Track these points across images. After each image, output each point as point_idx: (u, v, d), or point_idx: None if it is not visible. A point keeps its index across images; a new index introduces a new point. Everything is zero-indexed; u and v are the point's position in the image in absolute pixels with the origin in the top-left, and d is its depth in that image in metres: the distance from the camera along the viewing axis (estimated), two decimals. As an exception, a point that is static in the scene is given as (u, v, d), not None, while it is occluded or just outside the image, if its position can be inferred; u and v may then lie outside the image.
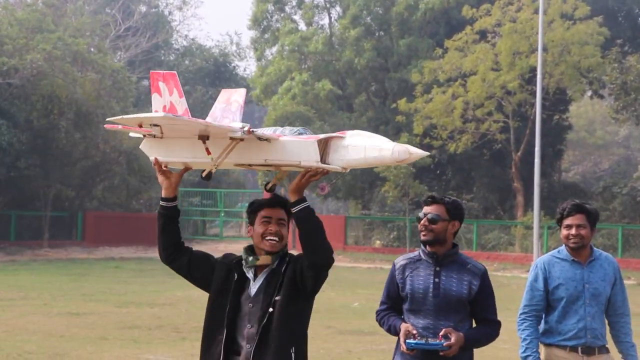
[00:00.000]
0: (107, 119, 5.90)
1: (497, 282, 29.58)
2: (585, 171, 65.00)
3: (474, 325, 5.95)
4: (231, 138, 5.03)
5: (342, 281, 27.93)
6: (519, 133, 40.66)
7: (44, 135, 38.30)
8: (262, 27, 48.63)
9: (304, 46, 44.85)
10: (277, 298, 5.03)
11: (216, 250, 30.81)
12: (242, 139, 5.02)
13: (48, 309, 19.25)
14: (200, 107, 56.02)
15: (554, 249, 6.94)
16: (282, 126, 5.42)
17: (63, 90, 38.24)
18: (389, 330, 5.94)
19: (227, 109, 5.72)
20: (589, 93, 45.44)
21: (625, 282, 6.81)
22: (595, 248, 6.66)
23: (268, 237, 5.13)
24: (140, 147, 5.46)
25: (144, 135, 5.30)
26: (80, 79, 39.35)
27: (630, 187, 37.99)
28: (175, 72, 5.62)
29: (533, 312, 6.62)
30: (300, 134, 5.13)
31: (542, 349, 6.67)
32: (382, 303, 6.07)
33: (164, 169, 5.24)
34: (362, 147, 4.94)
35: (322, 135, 5.03)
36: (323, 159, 5.01)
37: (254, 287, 5.11)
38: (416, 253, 6.02)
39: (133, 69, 52.69)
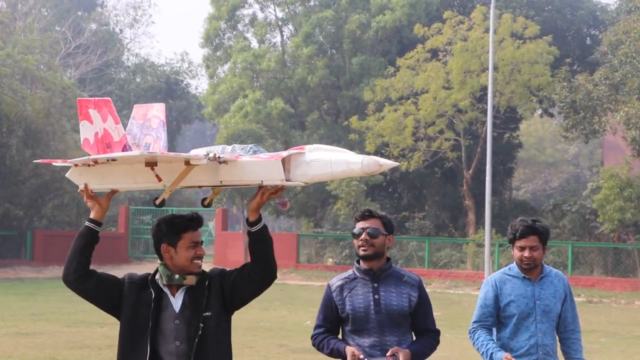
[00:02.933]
0: (38, 160, 5.87)
1: (449, 300, 29.74)
2: (535, 189, 65.59)
3: (414, 336, 5.97)
4: (187, 164, 4.98)
5: (294, 299, 27.91)
6: (470, 151, 40.92)
7: (-8, 154, 37.98)
8: (214, 44, 48.58)
9: (257, 64, 44.86)
10: (206, 314, 5.04)
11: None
12: (196, 164, 5.00)
13: (-4, 329, 19.02)
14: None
15: (505, 266, 7.00)
16: (230, 144, 5.38)
17: (12, 108, 37.92)
18: (330, 354, 5.88)
19: (147, 125, 5.56)
20: (539, 111, 45.90)
21: (575, 299, 6.88)
22: (545, 265, 6.73)
23: (196, 260, 5.13)
24: (67, 175, 5.35)
25: (76, 165, 5.22)
26: (30, 96, 39.02)
27: (579, 204, 38.27)
28: (109, 98, 5.51)
29: (483, 325, 6.64)
30: (254, 152, 5.11)
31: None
32: (317, 327, 6.04)
33: (91, 194, 5.17)
34: (328, 161, 4.95)
35: (284, 153, 5.01)
36: (284, 175, 5.01)
37: (176, 304, 5.07)
38: (350, 272, 6.04)
39: (84, 86, 52.35)
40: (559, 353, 6.75)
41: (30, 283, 33.35)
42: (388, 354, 5.67)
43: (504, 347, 6.61)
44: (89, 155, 5.27)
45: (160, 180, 5.10)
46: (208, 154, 4.99)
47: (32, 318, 21.28)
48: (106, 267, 33.90)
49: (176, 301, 5.09)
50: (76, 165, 5.22)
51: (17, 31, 47.26)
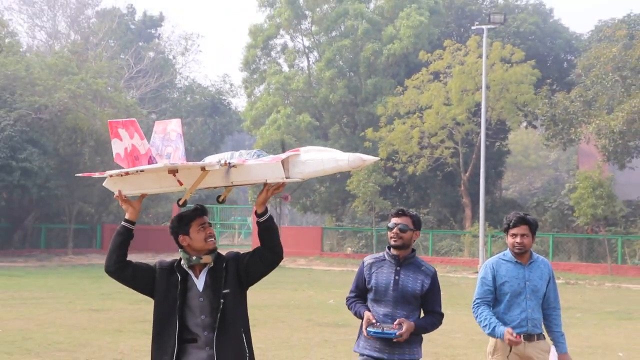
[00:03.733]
0: (78, 174, 5.95)
1: (449, 282, 29.63)
2: (521, 189, 65.29)
3: (422, 315, 6.14)
4: (203, 169, 5.03)
5: (319, 282, 27.90)
6: (467, 157, 40.83)
7: (68, 161, 38.18)
8: (252, 68, 48.61)
9: (287, 85, 44.90)
10: (225, 291, 5.08)
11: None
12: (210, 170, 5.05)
13: (72, 306, 19.13)
14: (200, 136, 56.07)
15: (497, 253, 7.02)
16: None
17: (85, 123, 38.15)
18: (355, 314, 6.14)
19: (167, 138, 5.62)
20: (524, 124, 45.68)
21: (556, 281, 6.88)
22: (533, 252, 6.75)
23: (209, 239, 5.17)
24: (104, 184, 5.42)
25: (110, 175, 5.28)
26: (99, 113, 39.23)
27: (559, 202, 38.12)
28: (135, 119, 5.53)
29: (484, 302, 6.66)
30: (258, 156, 5.15)
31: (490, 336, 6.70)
32: (351, 292, 6.27)
33: (125, 199, 5.23)
34: (320, 160, 4.96)
35: (283, 155, 5.01)
36: (284, 174, 5.03)
37: (199, 284, 5.12)
38: (381, 254, 6.21)
39: (143, 104, 52.56)
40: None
41: (100, 268, 33.17)
42: (395, 322, 5.88)
43: (499, 320, 6.61)
44: (122, 167, 5.32)
45: (181, 184, 5.15)
46: (220, 161, 5.04)
47: (101, 297, 21.38)
48: (161, 255, 34.04)
49: (199, 282, 5.14)
50: (111, 176, 5.29)
51: (89, 59, 47.54)
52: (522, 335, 6.48)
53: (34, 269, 32.62)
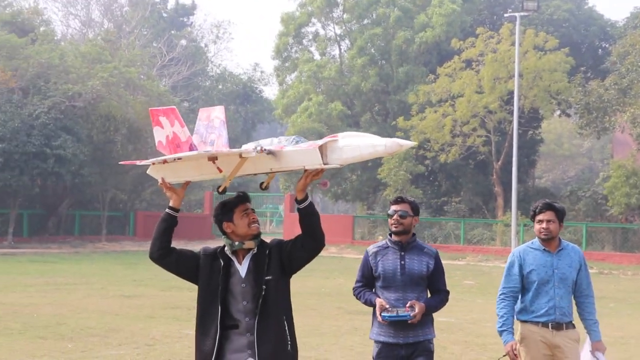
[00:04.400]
0: (120, 162, 5.98)
1: (480, 271, 29.55)
2: (555, 178, 64.79)
3: (429, 294, 6.35)
4: (240, 157, 5.03)
5: (350, 270, 27.89)
6: (499, 146, 40.58)
7: (102, 148, 38.48)
8: (284, 56, 48.59)
9: (319, 73, 44.84)
10: (267, 278, 5.09)
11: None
12: (248, 157, 5.05)
13: (105, 292, 19.34)
14: (232, 123, 56.16)
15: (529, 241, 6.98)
16: (286, 137, 5.38)
17: (118, 110, 38.40)
18: (365, 303, 6.34)
19: (211, 125, 5.63)
20: (558, 112, 45.30)
21: (589, 270, 6.82)
22: (563, 240, 6.68)
23: (252, 224, 5.19)
24: (147, 172, 5.44)
25: (153, 163, 5.30)
26: (132, 101, 39.46)
27: (592, 191, 37.83)
28: (175, 107, 5.55)
29: (510, 292, 6.65)
30: (296, 142, 5.11)
31: (518, 325, 6.68)
32: (357, 282, 6.46)
33: (168, 186, 5.27)
34: (357, 146, 4.91)
35: (320, 142, 4.97)
36: (322, 160, 5.00)
37: (242, 270, 5.14)
38: (383, 242, 6.43)
39: (175, 92, 52.74)
40: (575, 315, 6.69)
41: (133, 255, 33.82)
42: (407, 304, 6.08)
43: (526, 308, 6.59)
44: (163, 155, 5.34)
45: (221, 171, 5.15)
46: (256, 148, 5.02)
47: (134, 283, 21.58)
48: (194, 243, 34.23)
49: (242, 268, 5.15)
50: (153, 163, 5.30)
51: (122, 47, 47.82)
52: (550, 324, 6.46)
53: (67, 255, 33.00)
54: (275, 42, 48.44)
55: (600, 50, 46.28)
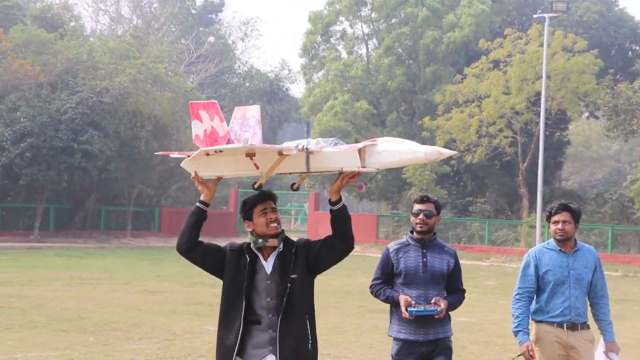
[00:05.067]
0: (160, 152, 6.00)
1: (503, 272, 29.48)
2: (582, 180, 64.37)
3: (447, 292, 6.39)
4: (280, 154, 5.04)
5: (373, 269, 27.84)
6: (525, 147, 40.40)
7: (129, 144, 38.71)
8: (311, 55, 48.70)
9: (346, 72, 44.89)
10: (293, 276, 5.14)
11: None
12: (288, 154, 5.05)
13: (129, 287, 19.50)
14: (258, 122, 56.18)
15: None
16: (323, 139, 5.40)
17: (145, 107, 38.66)
18: (386, 300, 6.33)
19: (245, 124, 5.63)
20: (586, 114, 45.04)
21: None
22: (578, 241, 6.71)
23: (270, 224, 5.21)
24: (181, 165, 5.41)
25: (188, 156, 5.30)
26: (159, 97, 39.71)
27: (619, 194, 37.61)
28: (216, 101, 5.54)
29: (526, 292, 6.67)
30: (335, 144, 5.14)
31: (533, 325, 6.70)
32: (376, 278, 6.46)
33: (201, 180, 5.28)
34: (397, 151, 4.96)
35: (359, 145, 5.03)
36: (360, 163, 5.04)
37: (267, 267, 5.18)
38: (404, 239, 6.51)
39: (202, 89, 52.99)
40: (590, 315, 6.71)
41: (158, 251, 34.04)
42: (432, 300, 6.13)
43: (542, 309, 6.61)
44: (200, 148, 5.31)
45: (258, 168, 5.15)
46: (297, 146, 5.03)
47: (157, 279, 21.73)
48: (219, 239, 34.33)
49: (268, 265, 5.19)
50: (189, 156, 5.30)
51: (150, 44, 48.12)
52: (565, 325, 6.48)
53: (93, 250, 33.29)
54: (303, 40, 48.57)
55: (630, 52, 45.98)
